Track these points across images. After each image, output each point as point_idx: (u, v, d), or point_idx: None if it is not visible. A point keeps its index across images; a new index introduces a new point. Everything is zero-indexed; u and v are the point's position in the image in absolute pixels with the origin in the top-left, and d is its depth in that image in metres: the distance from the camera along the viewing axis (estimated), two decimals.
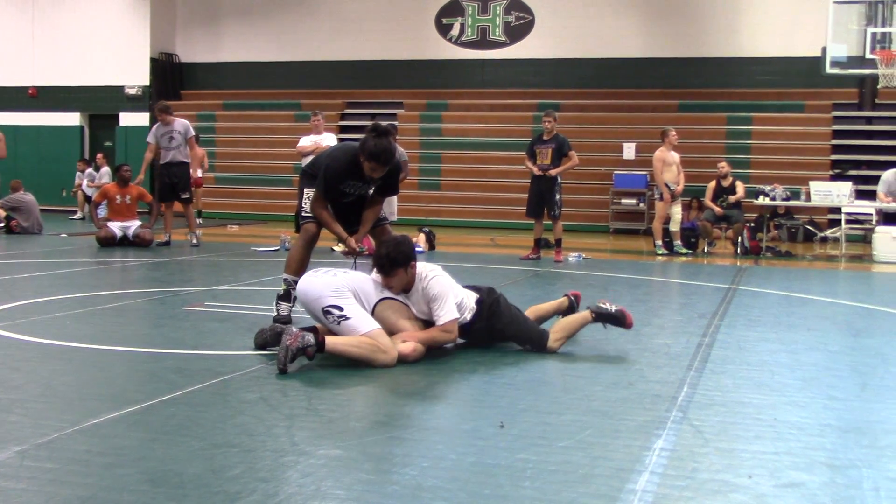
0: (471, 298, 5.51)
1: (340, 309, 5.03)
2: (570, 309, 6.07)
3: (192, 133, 12.89)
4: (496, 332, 5.53)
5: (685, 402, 4.39)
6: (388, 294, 5.26)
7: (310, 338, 4.82)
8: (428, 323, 5.34)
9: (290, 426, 3.89)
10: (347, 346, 4.96)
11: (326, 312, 5.05)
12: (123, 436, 3.66)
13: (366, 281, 5.30)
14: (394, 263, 5.20)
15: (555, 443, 3.67)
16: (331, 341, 4.92)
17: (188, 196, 12.95)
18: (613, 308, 5.59)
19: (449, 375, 4.96)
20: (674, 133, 13.53)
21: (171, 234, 12.91)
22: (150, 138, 12.73)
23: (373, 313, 5.16)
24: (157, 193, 13.09)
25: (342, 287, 5.12)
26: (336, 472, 3.30)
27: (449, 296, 5.30)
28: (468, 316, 5.45)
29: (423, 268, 5.36)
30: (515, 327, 5.53)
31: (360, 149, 5.75)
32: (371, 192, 6.09)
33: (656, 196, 13.50)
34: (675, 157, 13.44)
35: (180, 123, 12.70)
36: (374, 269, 5.28)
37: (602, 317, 5.58)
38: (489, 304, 5.51)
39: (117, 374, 4.94)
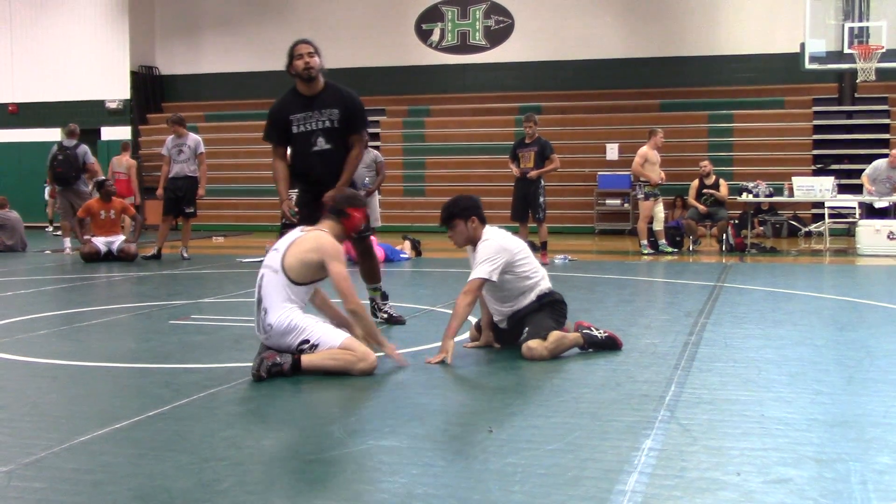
0: (547, 279, 5.69)
1: (307, 340, 5.02)
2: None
3: (202, 149, 12.61)
4: (525, 319, 5.59)
5: (673, 402, 4.40)
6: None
7: (287, 357, 4.92)
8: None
9: (279, 438, 3.89)
10: (324, 361, 4.98)
11: (300, 351, 5.02)
12: (112, 453, 3.65)
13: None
14: (451, 215, 5.46)
15: (543, 446, 3.68)
16: (307, 360, 4.95)
17: (192, 210, 12.66)
18: (602, 335, 5.65)
19: (435, 382, 4.96)
20: (661, 135, 13.57)
21: (162, 247, 12.73)
22: (165, 151, 12.62)
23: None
24: (163, 207, 12.82)
25: (292, 321, 5.02)
26: (326, 481, 3.30)
27: (492, 259, 5.39)
28: (533, 296, 5.59)
29: (491, 231, 5.54)
30: (542, 315, 5.55)
31: (287, 68, 6.24)
32: (335, 124, 6.22)
33: (640, 196, 13.53)
34: (657, 156, 13.49)
35: (192, 138, 12.56)
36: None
37: (593, 344, 5.63)
38: (557, 298, 5.66)
39: (104, 390, 4.92)
